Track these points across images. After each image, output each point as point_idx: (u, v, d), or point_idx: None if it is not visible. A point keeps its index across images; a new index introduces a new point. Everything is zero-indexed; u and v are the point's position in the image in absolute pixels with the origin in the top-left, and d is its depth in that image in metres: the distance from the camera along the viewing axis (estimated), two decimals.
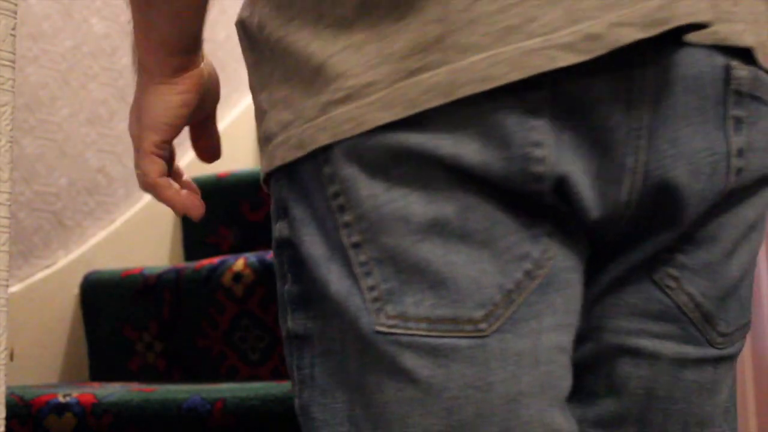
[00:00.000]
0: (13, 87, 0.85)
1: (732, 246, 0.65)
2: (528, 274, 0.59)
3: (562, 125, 0.58)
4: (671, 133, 0.60)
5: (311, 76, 0.60)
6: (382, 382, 0.59)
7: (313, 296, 0.62)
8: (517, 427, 0.59)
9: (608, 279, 0.65)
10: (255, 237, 1.98)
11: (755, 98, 0.63)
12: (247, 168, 2.10)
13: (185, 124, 0.75)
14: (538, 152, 0.58)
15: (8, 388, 0.95)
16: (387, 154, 0.58)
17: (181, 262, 1.98)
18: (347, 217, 0.59)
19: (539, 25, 0.57)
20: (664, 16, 0.57)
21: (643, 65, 0.59)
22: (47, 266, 1.82)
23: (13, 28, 0.85)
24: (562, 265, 0.61)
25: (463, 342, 0.58)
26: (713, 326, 0.66)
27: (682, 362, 0.65)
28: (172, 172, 0.78)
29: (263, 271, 1.68)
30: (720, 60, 0.61)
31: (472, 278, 0.58)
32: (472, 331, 0.58)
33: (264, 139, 0.65)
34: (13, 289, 1.74)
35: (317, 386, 0.64)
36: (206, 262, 1.75)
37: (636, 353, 0.65)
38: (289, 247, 0.63)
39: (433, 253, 0.58)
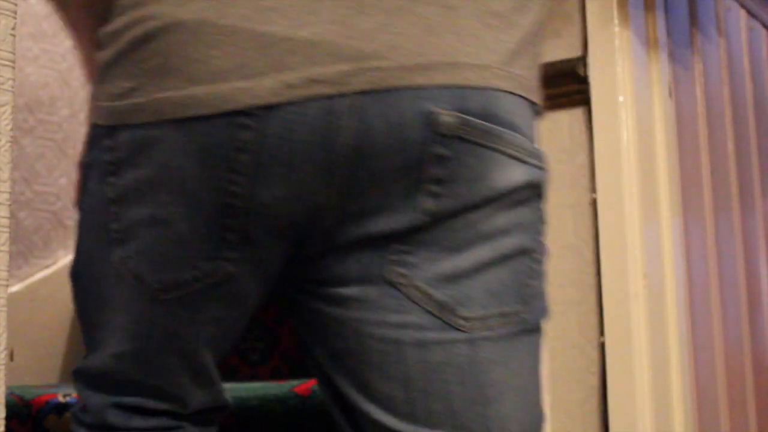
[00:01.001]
0: (13, 87, 0.85)
1: (458, 245, 0.76)
2: (195, 278, 0.79)
3: (264, 156, 0.73)
4: (373, 162, 0.74)
5: (100, 69, 0.79)
6: (103, 280, 0.83)
7: (84, 206, 0.85)
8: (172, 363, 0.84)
9: (348, 276, 0.78)
10: None
11: (462, 139, 0.74)
12: None
13: None
14: (238, 178, 0.74)
15: (8, 388, 0.94)
16: (138, 145, 0.75)
17: None
18: (111, 179, 0.78)
19: (249, 70, 0.72)
20: (350, 81, 0.72)
21: (342, 111, 0.72)
22: (47, 266, 1.82)
23: (13, 28, 0.85)
24: (236, 277, 0.79)
25: (145, 299, 0.80)
26: (452, 312, 0.76)
27: (424, 345, 0.76)
28: None
29: None
30: (426, 106, 0.73)
31: (166, 260, 0.78)
32: (152, 294, 0.80)
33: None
34: (13, 289, 1.74)
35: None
36: None
37: (381, 341, 0.77)
38: (86, 168, 0.84)
39: (148, 236, 0.78)
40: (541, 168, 0.80)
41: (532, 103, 0.80)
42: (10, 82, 0.84)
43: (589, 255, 1.37)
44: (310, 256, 0.80)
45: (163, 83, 0.74)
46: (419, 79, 0.73)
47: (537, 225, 0.80)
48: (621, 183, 1.35)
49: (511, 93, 0.76)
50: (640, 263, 1.34)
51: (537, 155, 0.80)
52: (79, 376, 0.90)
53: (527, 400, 0.80)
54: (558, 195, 1.40)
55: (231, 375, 1.73)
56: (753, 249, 1.78)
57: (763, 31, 1.96)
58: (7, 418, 1.43)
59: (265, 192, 0.75)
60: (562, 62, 1.41)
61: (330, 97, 0.72)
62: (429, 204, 0.75)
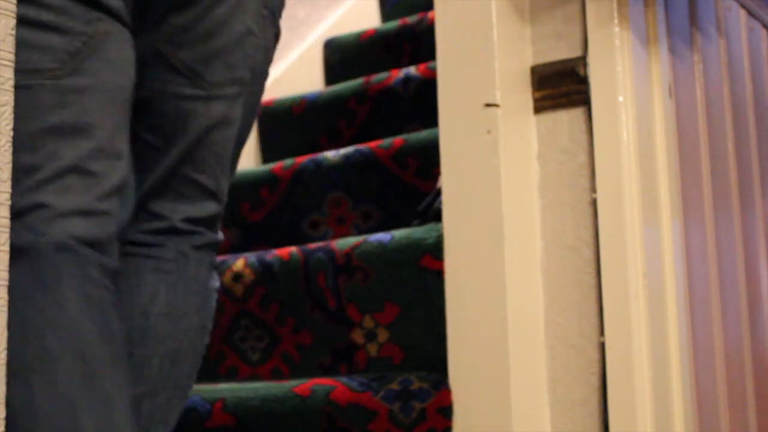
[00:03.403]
0: (12, 87, 0.85)
1: (206, 33, 1.12)
2: (84, 44, 1.03)
3: None
4: None
5: None
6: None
7: None
8: (86, 122, 1.03)
9: (142, 53, 1.12)
10: (255, 237, 1.98)
11: None
12: (247, 168, 2.11)
13: None
14: None
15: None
16: None
17: None
18: None
19: None
20: None
21: None
22: None
23: (13, 28, 0.85)
24: (113, 37, 1.05)
25: (48, 82, 1.00)
26: (201, 77, 1.13)
27: (180, 97, 1.13)
28: None
29: (263, 271, 1.68)
30: None
31: (48, 46, 1.00)
32: (51, 76, 1.00)
33: None
34: None
35: None
36: None
37: (162, 94, 1.14)
38: None
39: (26, 34, 0.97)
40: None
41: None
42: (10, 82, 0.84)
43: (589, 255, 1.37)
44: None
45: None
46: None
47: (259, 10, 1.15)
48: (621, 183, 1.35)
49: None
50: (640, 263, 1.34)
51: None
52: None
53: (242, 128, 1.18)
54: (558, 195, 1.40)
55: (231, 375, 1.73)
56: (753, 249, 1.78)
57: (763, 31, 1.96)
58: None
59: None
60: (562, 62, 1.42)
61: None
62: None
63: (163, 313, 1.14)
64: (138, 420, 1.10)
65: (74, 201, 1.00)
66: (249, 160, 2.31)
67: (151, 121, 1.15)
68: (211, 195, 1.18)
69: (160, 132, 1.15)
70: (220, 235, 1.23)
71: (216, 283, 1.22)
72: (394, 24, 2.44)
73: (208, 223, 1.19)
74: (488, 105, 1.39)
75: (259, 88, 1.21)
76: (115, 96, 1.06)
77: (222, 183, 1.19)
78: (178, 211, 1.17)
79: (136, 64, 1.11)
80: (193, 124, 1.14)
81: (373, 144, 1.89)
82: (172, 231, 1.17)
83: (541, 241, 1.41)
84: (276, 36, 1.22)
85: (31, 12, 0.99)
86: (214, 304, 1.22)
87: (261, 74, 1.19)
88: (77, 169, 1.00)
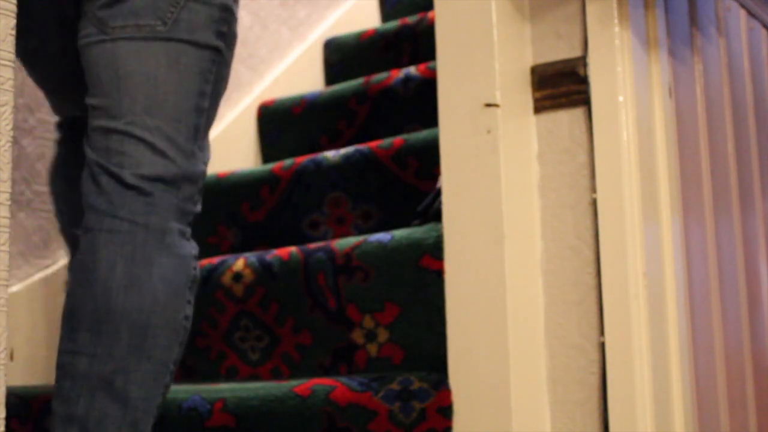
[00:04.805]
0: (12, 87, 0.85)
1: None
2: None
3: None
4: None
5: None
6: None
7: None
8: None
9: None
10: (255, 237, 1.98)
11: None
12: (247, 168, 2.10)
13: None
14: None
15: (8, 388, 0.94)
16: None
17: None
18: None
19: None
20: None
21: None
22: (47, 266, 1.82)
23: (13, 28, 0.85)
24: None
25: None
26: (105, 24, 1.21)
27: (89, 46, 1.21)
28: None
29: (263, 271, 1.68)
30: None
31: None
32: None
33: None
34: (13, 289, 1.74)
35: None
36: (206, 262, 1.75)
37: (83, 49, 1.22)
38: None
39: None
40: None
41: None
42: (10, 82, 0.84)
43: (589, 255, 1.37)
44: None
45: None
46: None
47: None
48: (621, 183, 1.35)
49: None
50: (640, 263, 1.34)
51: None
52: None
53: (156, 85, 1.20)
54: (558, 195, 1.40)
55: (231, 375, 1.73)
56: (753, 249, 1.78)
57: (763, 31, 1.96)
58: (7, 418, 1.43)
59: None
60: (562, 62, 1.42)
61: None
62: None
63: (124, 285, 1.12)
64: (113, 394, 1.09)
65: None
66: (249, 160, 2.31)
67: (87, 83, 1.22)
68: (158, 152, 1.17)
69: (92, 89, 1.21)
70: (197, 207, 1.22)
71: (194, 250, 1.21)
72: (394, 24, 2.44)
73: (165, 183, 1.18)
74: (488, 105, 1.39)
75: (205, 55, 1.22)
76: None
77: (173, 135, 1.19)
78: (123, 170, 1.17)
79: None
80: (105, 66, 1.19)
81: (373, 144, 1.89)
82: (123, 186, 1.16)
83: (541, 241, 1.41)
84: (222, 6, 1.23)
85: None
86: (193, 272, 1.20)
87: (188, 32, 1.20)
88: None
